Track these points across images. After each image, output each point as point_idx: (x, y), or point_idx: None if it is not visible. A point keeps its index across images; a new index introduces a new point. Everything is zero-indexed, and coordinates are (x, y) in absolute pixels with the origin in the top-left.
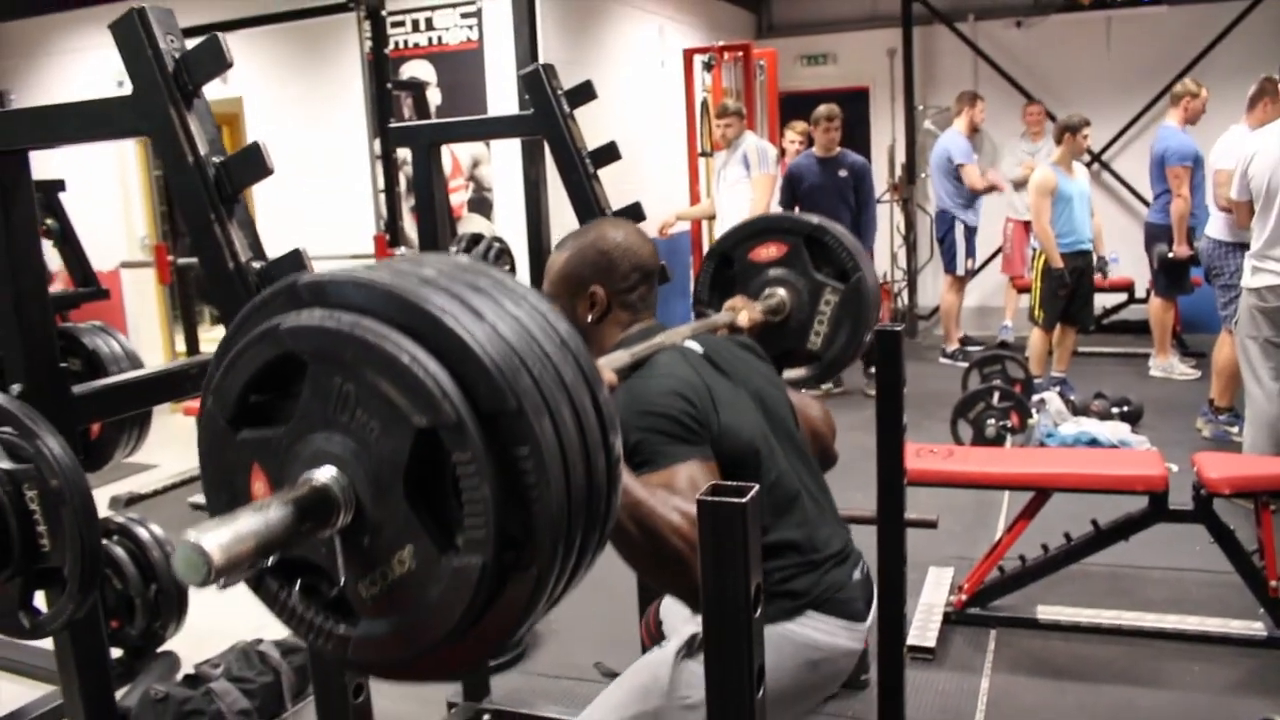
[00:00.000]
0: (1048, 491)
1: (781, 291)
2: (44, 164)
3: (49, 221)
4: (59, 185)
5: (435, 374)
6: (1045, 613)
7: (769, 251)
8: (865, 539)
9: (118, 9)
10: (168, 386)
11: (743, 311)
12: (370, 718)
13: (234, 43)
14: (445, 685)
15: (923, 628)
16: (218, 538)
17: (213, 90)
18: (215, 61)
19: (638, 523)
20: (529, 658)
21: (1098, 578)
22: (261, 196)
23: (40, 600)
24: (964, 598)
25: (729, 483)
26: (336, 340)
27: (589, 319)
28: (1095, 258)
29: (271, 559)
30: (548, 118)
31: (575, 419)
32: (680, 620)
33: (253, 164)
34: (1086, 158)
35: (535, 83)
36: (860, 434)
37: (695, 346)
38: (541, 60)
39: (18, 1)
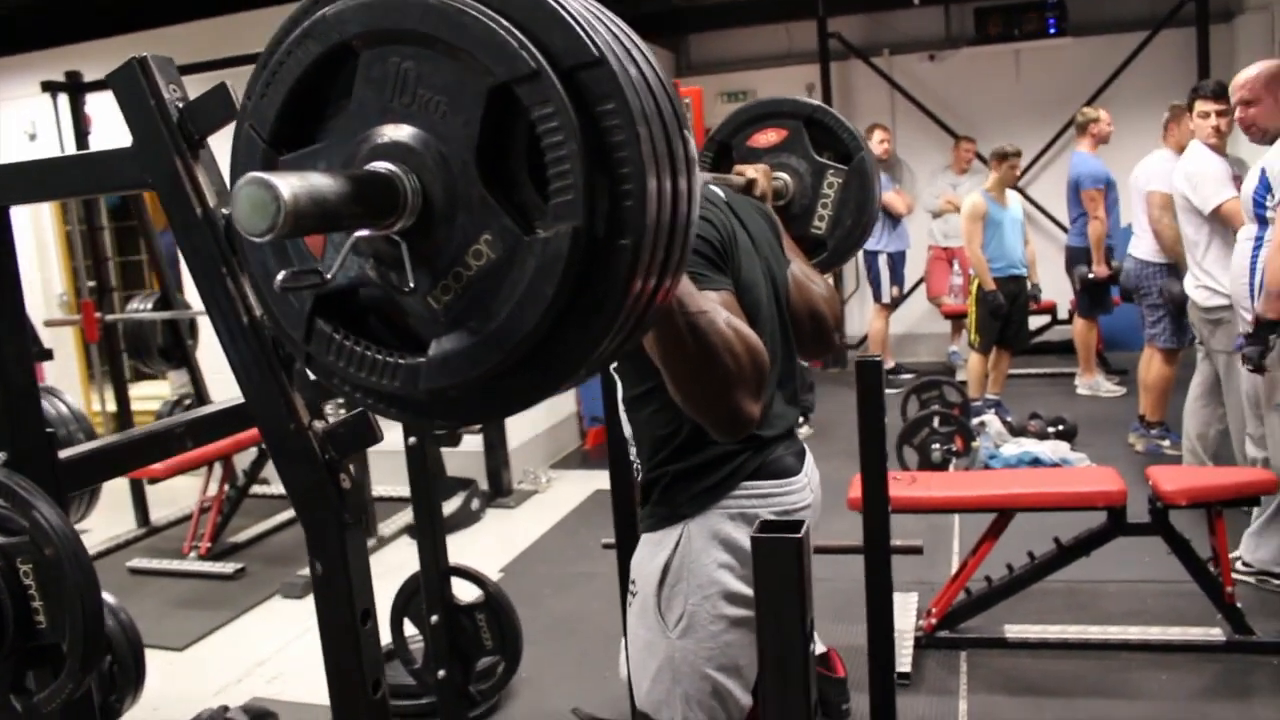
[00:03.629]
0: (1011, 512)
1: (784, 176)
2: None
3: None
4: None
5: (506, 25)
6: (1013, 632)
7: (768, 137)
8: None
9: (26, 60)
10: (158, 447)
11: (750, 170)
12: None
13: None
14: None
15: (895, 653)
16: (288, 181)
17: None
18: (223, 109)
19: (694, 330)
20: (504, 708)
21: (1056, 594)
22: None
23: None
24: (933, 621)
25: (780, 519)
26: (390, 10)
27: None
28: (1029, 284)
29: (330, 278)
30: None
31: (650, 92)
32: (645, 559)
33: None
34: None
35: None
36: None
37: (719, 191)
38: None
39: None
